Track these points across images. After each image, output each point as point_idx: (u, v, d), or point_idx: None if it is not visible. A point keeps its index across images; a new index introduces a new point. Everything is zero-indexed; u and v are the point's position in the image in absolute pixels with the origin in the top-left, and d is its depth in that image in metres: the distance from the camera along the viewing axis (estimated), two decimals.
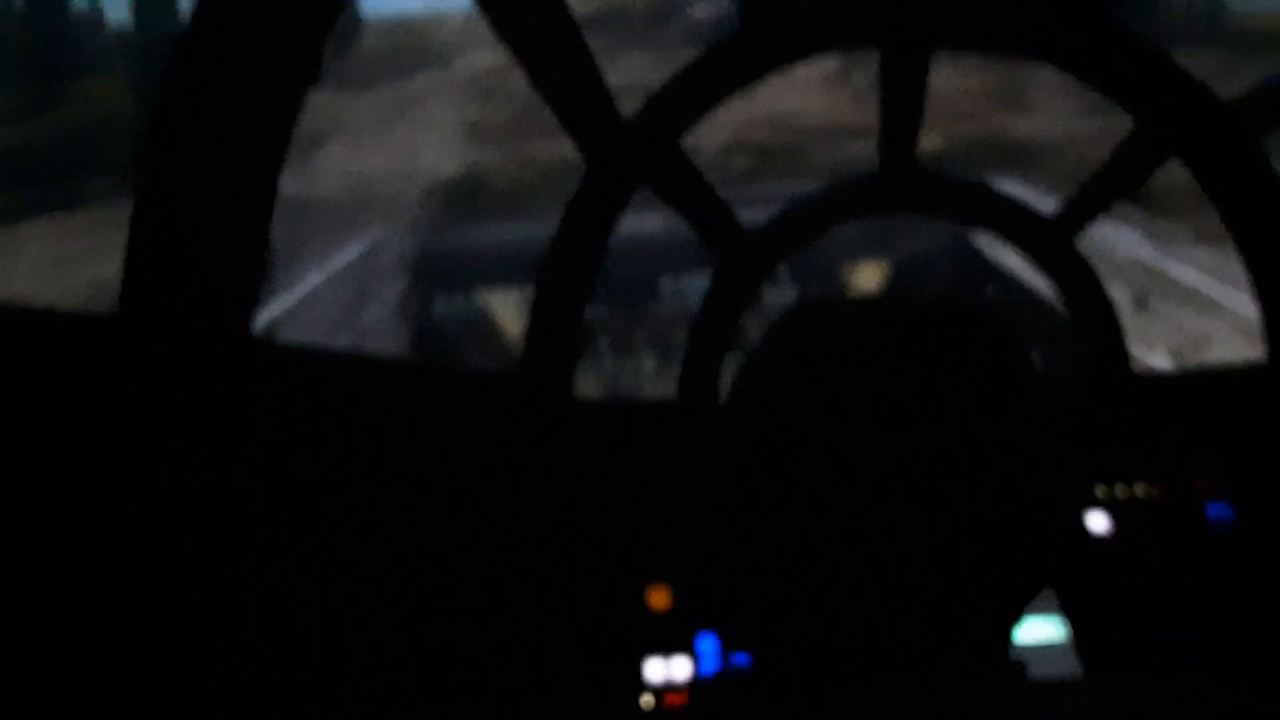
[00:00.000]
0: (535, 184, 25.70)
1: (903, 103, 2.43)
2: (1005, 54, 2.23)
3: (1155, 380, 2.58)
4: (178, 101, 1.08)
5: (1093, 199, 2.68)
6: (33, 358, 0.85)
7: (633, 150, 2.30)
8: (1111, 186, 2.61)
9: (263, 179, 1.20)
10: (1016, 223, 2.83)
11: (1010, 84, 27.79)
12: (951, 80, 26.57)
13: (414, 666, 1.58)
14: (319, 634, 1.28)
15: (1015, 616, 2.07)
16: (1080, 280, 2.79)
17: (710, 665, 2.09)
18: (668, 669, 2.09)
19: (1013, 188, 18.07)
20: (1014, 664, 1.99)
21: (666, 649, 2.11)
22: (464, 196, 25.32)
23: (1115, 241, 16.06)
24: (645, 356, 18.91)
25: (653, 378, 18.08)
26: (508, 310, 21.93)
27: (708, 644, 2.11)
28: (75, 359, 0.90)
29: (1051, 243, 2.80)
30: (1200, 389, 2.47)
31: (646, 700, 2.05)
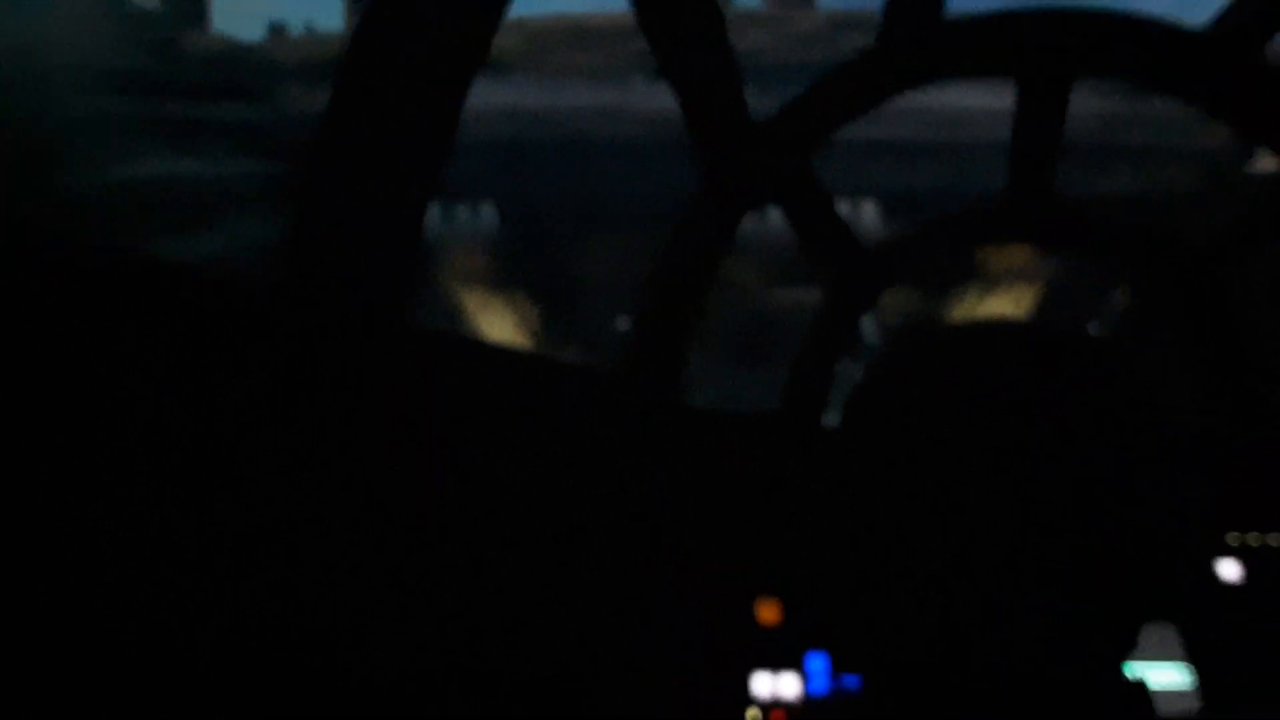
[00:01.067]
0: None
1: (1040, 131, 2.34)
2: (1146, 87, 2.17)
3: None
4: (345, 103, 1.12)
5: (1241, 235, 2.59)
6: (189, 316, 0.90)
7: (762, 162, 2.19)
8: (1261, 222, 2.54)
9: (422, 168, 1.24)
10: (1164, 260, 2.67)
11: None
12: None
13: (522, 669, 1.57)
14: (430, 621, 1.39)
15: (1129, 653, 2.06)
16: (1220, 322, 2.73)
17: (820, 685, 2.08)
18: (775, 685, 2.08)
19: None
20: (1133, 688, 1.97)
21: (775, 664, 2.09)
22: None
23: None
24: None
25: None
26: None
27: (817, 663, 2.08)
28: (230, 322, 0.94)
29: (1199, 281, 2.69)
30: None
31: (754, 715, 2.07)
